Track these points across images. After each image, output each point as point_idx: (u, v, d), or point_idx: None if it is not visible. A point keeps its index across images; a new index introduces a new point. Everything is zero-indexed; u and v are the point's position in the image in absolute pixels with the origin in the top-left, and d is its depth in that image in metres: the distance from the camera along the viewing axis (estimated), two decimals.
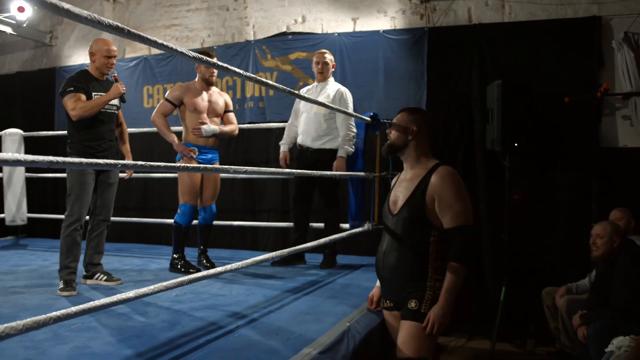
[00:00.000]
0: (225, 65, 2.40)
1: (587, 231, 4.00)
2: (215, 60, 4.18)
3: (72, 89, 3.66)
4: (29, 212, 6.17)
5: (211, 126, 4.26)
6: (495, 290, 4.70)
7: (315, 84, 4.60)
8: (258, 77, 2.80)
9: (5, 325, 1.43)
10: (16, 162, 1.47)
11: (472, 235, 2.50)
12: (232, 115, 4.52)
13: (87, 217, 3.83)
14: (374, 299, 2.94)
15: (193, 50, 2.25)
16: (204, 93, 4.31)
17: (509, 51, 4.91)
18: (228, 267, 2.42)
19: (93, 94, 3.72)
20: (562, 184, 4.78)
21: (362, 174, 4.37)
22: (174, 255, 4.27)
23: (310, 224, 4.66)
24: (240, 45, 6.00)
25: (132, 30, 1.78)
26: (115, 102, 3.85)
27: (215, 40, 6.33)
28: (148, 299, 2.81)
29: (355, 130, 4.41)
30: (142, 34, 1.82)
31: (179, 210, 4.29)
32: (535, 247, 4.81)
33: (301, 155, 4.53)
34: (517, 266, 4.71)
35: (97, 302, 1.78)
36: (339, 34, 5.55)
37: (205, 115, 4.28)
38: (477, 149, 4.93)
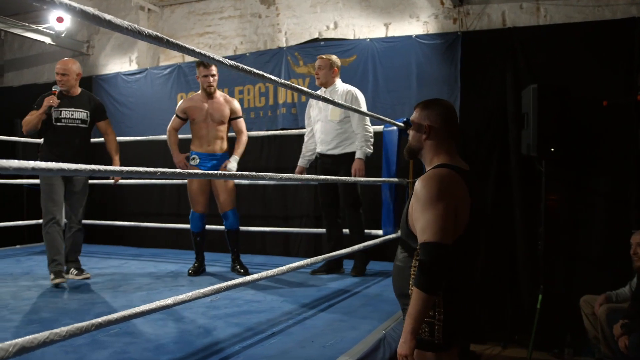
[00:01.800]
0: (259, 72, 2.41)
1: (625, 238, 3.91)
2: (214, 68, 4.28)
3: (35, 106, 4.07)
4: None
5: (230, 163, 4.36)
6: (531, 298, 4.61)
7: (322, 90, 4.50)
8: (291, 84, 2.81)
9: (50, 331, 1.45)
10: (60, 171, 1.50)
11: (436, 254, 1.88)
12: (240, 122, 4.52)
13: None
14: None
15: (227, 58, 2.27)
16: (204, 103, 4.40)
17: (544, 55, 4.82)
18: (264, 274, 2.43)
19: (54, 109, 4.05)
20: (599, 190, 4.67)
21: (395, 179, 4.34)
22: None
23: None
24: (273, 52, 6.03)
25: (170, 39, 1.80)
26: (80, 116, 4.16)
27: (247, 47, 6.38)
28: (184, 304, 2.83)
29: (371, 130, 4.33)
30: (180, 42, 1.84)
31: None
32: (572, 254, 4.70)
33: (323, 162, 4.51)
34: (554, 274, 4.62)
35: (136, 309, 1.80)
36: (371, 39, 5.54)
37: (205, 124, 4.40)
38: (511, 155, 4.85)
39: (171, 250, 5.98)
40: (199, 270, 4.50)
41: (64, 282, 3.94)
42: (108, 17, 1.53)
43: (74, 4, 1.42)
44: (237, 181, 5.04)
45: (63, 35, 6.94)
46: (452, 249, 1.92)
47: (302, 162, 4.68)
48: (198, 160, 4.41)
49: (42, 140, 4.29)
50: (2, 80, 8.04)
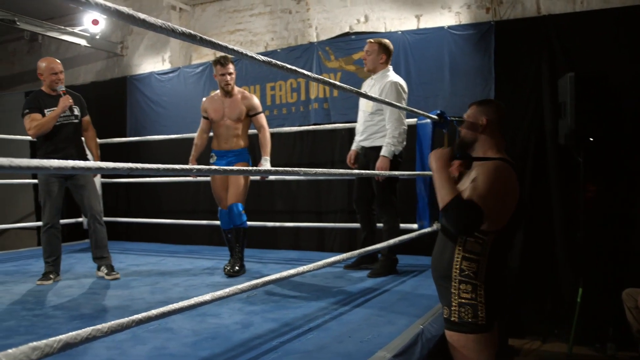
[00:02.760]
0: (291, 67, 2.39)
1: None
2: (231, 67, 4.27)
3: (27, 110, 4.11)
4: (104, 216, 6.41)
5: (263, 166, 4.26)
6: (571, 292, 4.51)
7: (370, 77, 4.40)
8: (324, 78, 2.79)
9: (92, 328, 1.48)
10: (99, 170, 1.52)
11: (470, 211, 2.06)
12: (260, 117, 4.44)
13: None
14: None
15: (258, 54, 2.27)
16: (222, 101, 4.39)
17: (581, 42, 4.69)
18: (300, 269, 2.42)
19: (45, 110, 4.12)
20: None
21: (430, 173, 4.27)
22: None
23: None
24: (304, 47, 6.03)
25: (203, 37, 1.81)
26: (74, 112, 4.24)
27: (278, 43, 6.39)
28: (220, 300, 2.85)
29: (404, 127, 4.18)
30: (213, 39, 1.84)
31: None
32: (613, 245, 4.58)
33: (358, 154, 4.47)
34: (594, 266, 4.51)
35: (175, 306, 1.81)
36: (402, 32, 5.48)
37: (222, 122, 4.39)
38: (548, 145, 4.75)
39: (207, 246, 6.06)
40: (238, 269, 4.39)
41: (46, 284, 4.06)
42: (142, 16, 1.54)
43: (109, 4, 1.44)
44: (270, 177, 5.06)
45: (98, 37, 7.08)
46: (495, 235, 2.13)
47: (354, 146, 4.52)
48: (215, 159, 4.43)
49: (34, 139, 4.30)
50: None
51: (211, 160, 4.45)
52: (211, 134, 4.56)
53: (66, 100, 4.11)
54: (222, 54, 4.48)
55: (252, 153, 4.75)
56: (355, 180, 4.51)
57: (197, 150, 4.52)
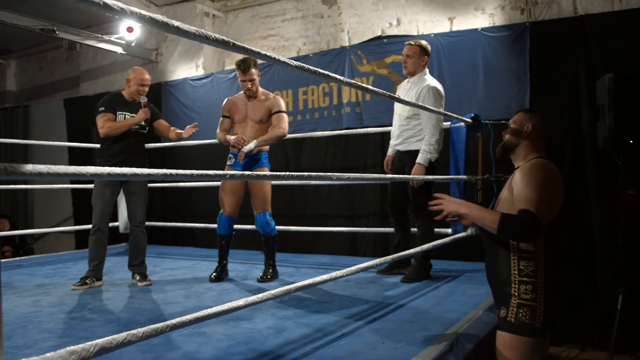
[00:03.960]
0: (324, 71, 2.39)
1: None
2: (253, 72, 4.18)
3: (103, 109, 4.21)
4: None
5: (247, 145, 4.08)
6: (610, 299, 4.39)
7: (407, 80, 4.38)
8: (357, 82, 2.78)
9: (128, 332, 1.49)
10: (134, 176, 1.54)
11: (531, 225, 2.03)
12: (278, 116, 4.28)
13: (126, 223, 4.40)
14: None
15: (292, 59, 2.27)
16: (245, 103, 4.34)
17: (620, 42, 4.57)
18: (334, 274, 2.41)
19: (118, 113, 4.23)
20: None
21: (464, 177, 4.23)
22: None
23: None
24: (336, 51, 6.03)
25: (236, 42, 1.81)
26: (142, 123, 4.30)
27: (310, 48, 6.41)
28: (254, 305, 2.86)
29: (440, 132, 4.11)
30: (246, 45, 1.85)
31: None
32: None
33: (394, 158, 4.44)
34: (635, 272, 4.38)
35: (209, 311, 1.82)
36: (435, 34, 5.44)
37: (244, 123, 4.32)
38: (586, 148, 4.64)
39: (240, 250, 6.07)
40: (220, 275, 4.37)
41: (82, 288, 4.06)
42: (176, 23, 1.56)
43: (144, 12, 1.46)
44: (304, 182, 5.06)
45: (133, 44, 7.22)
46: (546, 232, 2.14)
47: (390, 151, 4.49)
48: (233, 160, 4.28)
49: (98, 145, 4.43)
50: (78, 90, 8.43)
51: (229, 162, 4.32)
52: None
53: (146, 113, 4.23)
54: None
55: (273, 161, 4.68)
56: (389, 184, 4.48)
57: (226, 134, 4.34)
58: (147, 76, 4.36)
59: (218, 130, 4.39)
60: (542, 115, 2.39)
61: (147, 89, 4.34)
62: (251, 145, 4.07)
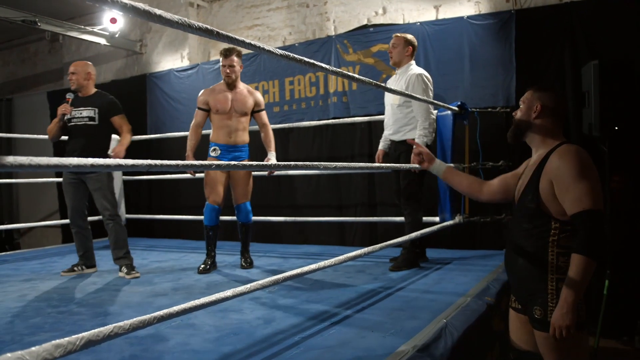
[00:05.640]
0: (310, 60, 2.37)
1: None
2: (234, 59, 4.21)
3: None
4: (126, 213, 6.48)
5: (271, 160, 4.23)
6: (597, 283, 4.43)
7: (395, 72, 4.41)
8: (344, 71, 2.76)
9: (114, 325, 1.48)
10: (118, 167, 1.52)
11: (599, 222, 1.95)
12: (263, 114, 4.44)
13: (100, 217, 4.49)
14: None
15: (278, 49, 2.25)
16: (228, 93, 4.32)
17: (605, 29, 4.59)
18: (322, 264, 2.41)
19: (72, 109, 4.33)
20: None
21: (451, 165, 4.23)
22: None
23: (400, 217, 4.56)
24: (322, 41, 6.00)
25: (221, 31, 1.79)
26: (88, 114, 4.31)
27: (296, 37, 6.37)
28: (242, 295, 2.86)
29: (433, 117, 4.18)
30: (230, 34, 1.83)
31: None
32: (639, 237, 4.49)
33: (390, 148, 4.44)
34: (621, 258, 4.42)
35: (197, 302, 1.81)
36: (421, 23, 5.42)
37: (228, 115, 4.32)
38: (572, 135, 4.66)
39: (228, 242, 6.05)
40: (208, 267, 4.37)
41: (70, 274, 4.33)
42: (158, 12, 1.54)
43: (127, 1, 1.43)
44: (292, 172, 5.05)
45: (117, 35, 7.13)
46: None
47: (381, 145, 4.52)
48: (219, 152, 4.30)
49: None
50: (62, 82, 8.33)
51: (213, 154, 4.32)
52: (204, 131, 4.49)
53: (61, 109, 4.31)
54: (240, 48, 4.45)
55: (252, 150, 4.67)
56: (392, 173, 4.46)
57: (194, 146, 4.32)
58: (71, 65, 4.45)
59: (192, 123, 4.39)
60: (551, 93, 2.25)
61: (72, 76, 4.36)
62: (273, 159, 4.28)
